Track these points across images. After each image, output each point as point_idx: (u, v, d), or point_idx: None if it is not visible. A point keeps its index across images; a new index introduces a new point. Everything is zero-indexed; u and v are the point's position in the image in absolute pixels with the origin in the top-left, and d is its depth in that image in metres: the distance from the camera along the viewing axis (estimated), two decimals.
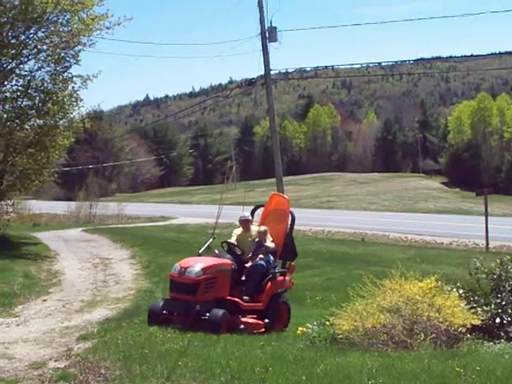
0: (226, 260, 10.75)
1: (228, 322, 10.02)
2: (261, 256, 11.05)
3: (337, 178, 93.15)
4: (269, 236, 11.30)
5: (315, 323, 10.16)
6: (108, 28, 23.71)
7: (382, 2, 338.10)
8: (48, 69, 24.06)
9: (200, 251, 11.00)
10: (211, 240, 11.41)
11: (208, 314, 9.84)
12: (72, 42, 23.40)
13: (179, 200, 77.61)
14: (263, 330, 10.57)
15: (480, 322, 8.88)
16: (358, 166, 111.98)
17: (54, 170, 28.26)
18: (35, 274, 17.89)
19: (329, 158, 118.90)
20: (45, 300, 14.15)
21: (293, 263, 11.72)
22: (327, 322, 9.66)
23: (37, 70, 24.05)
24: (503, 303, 9.36)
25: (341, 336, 8.78)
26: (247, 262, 11.13)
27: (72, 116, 25.00)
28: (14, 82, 24.22)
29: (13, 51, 23.24)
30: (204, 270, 10.16)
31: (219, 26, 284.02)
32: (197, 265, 10.27)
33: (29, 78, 23.98)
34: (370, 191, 74.12)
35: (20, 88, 24.08)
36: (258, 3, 25.46)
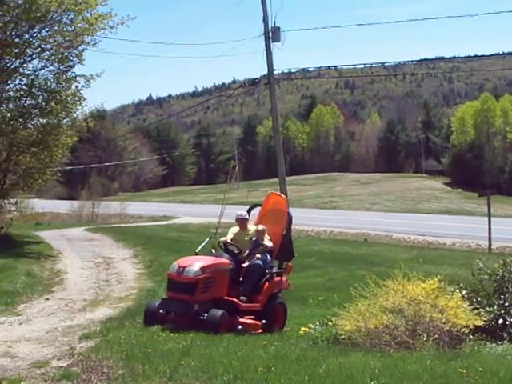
0: (225, 259, 10.64)
1: (226, 322, 9.92)
2: (258, 255, 10.95)
3: (339, 178, 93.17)
4: (266, 235, 11.21)
5: (318, 323, 10.16)
6: (111, 27, 23.72)
7: (384, 4, 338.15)
8: (51, 68, 24.14)
9: (197, 250, 10.90)
10: (208, 239, 11.34)
11: (206, 315, 9.74)
12: (76, 41, 23.43)
13: (182, 199, 77.65)
14: (260, 330, 10.49)
15: (483, 323, 8.87)
16: (360, 167, 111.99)
17: (57, 169, 28.31)
18: (38, 272, 17.90)
19: (331, 158, 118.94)
20: (47, 299, 14.16)
21: (290, 263, 11.63)
22: (330, 323, 9.66)
23: (40, 69, 24.12)
24: (506, 304, 9.34)
25: (343, 336, 8.78)
26: (244, 262, 10.99)
27: (75, 115, 25.08)
28: (17, 81, 24.28)
29: (16, 50, 23.28)
30: (203, 269, 10.05)
31: (221, 25, 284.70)
32: (195, 264, 10.15)
33: (32, 77, 24.02)
34: (373, 191, 74.11)
35: (23, 87, 24.12)
36: (262, 3, 25.43)
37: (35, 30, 23.21)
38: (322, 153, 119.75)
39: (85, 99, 24.61)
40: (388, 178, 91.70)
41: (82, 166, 67.90)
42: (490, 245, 26.27)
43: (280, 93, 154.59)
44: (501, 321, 9.21)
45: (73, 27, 23.34)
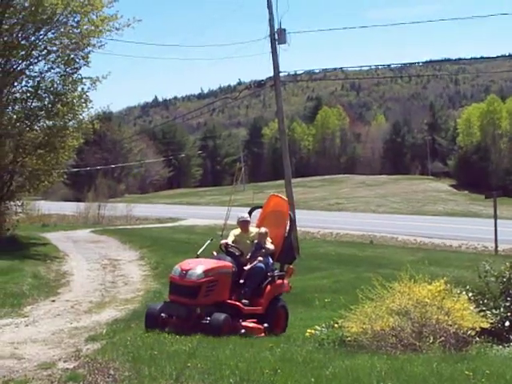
0: (227, 262, 10.50)
1: (229, 326, 9.81)
2: (260, 258, 10.85)
3: (345, 180, 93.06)
4: (268, 238, 11.13)
5: (324, 325, 10.14)
6: (117, 29, 23.83)
7: (390, 5, 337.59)
8: (58, 70, 24.22)
9: (198, 253, 10.80)
10: (209, 241, 11.27)
11: (209, 318, 9.62)
12: (82, 43, 23.50)
13: (188, 201, 77.68)
14: (263, 334, 10.37)
15: (489, 325, 8.86)
16: (366, 168, 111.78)
17: (63, 171, 28.34)
18: (44, 274, 17.94)
19: (337, 160, 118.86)
20: (54, 300, 14.19)
21: (291, 266, 11.52)
22: (336, 325, 9.64)
23: (46, 72, 24.22)
24: None
25: (349, 338, 8.77)
26: (245, 264, 10.84)
27: (81, 117, 25.18)
28: (23, 83, 24.40)
29: (23, 52, 23.38)
30: (206, 272, 9.89)
31: (227, 27, 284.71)
32: (198, 267, 9.98)
33: (38, 79, 24.13)
34: (379, 193, 74.00)
35: (30, 89, 24.21)
36: (268, 5, 25.43)
37: (41, 32, 23.32)
38: (327, 155, 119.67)
39: (91, 101, 24.77)
40: (394, 180, 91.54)
41: (88, 168, 67.99)
42: (496, 247, 26.23)
43: (286, 94, 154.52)
44: (507, 323, 9.20)
45: (79, 29, 23.41)
